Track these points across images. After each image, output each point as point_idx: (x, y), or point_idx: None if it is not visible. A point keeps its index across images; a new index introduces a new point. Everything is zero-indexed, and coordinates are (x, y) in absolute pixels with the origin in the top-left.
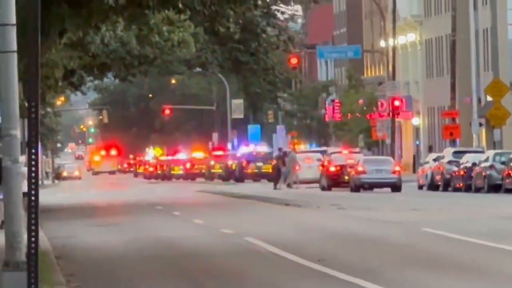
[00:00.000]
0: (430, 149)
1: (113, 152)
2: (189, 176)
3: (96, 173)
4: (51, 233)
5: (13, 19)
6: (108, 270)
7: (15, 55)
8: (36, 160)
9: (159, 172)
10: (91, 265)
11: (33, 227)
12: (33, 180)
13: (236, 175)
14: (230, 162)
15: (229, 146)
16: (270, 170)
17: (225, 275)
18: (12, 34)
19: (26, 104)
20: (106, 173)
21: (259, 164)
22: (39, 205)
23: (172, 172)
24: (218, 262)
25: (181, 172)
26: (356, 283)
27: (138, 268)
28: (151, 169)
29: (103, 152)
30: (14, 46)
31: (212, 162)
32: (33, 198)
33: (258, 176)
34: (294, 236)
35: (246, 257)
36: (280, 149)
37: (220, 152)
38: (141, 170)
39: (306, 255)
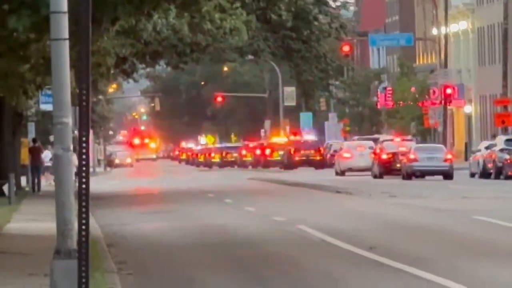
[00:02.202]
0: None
1: (150, 141)
2: (226, 164)
3: (138, 160)
4: (102, 221)
5: (64, 6)
6: (160, 258)
7: (67, 43)
8: (87, 148)
9: (200, 159)
10: (143, 252)
11: (83, 215)
12: (83, 168)
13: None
14: (258, 151)
15: (281, 133)
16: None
17: (278, 263)
18: (64, 22)
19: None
20: (148, 160)
21: (280, 152)
22: (91, 193)
23: (212, 160)
24: (271, 250)
25: (218, 160)
26: (408, 271)
27: (190, 255)
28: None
29: (136, 141)
30: (66, 33)
31: (244, 151)
32: (84, 186)
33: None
34: (345, 224)
35: (298, 245)
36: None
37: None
38: (183, 157)
39: (358, 243)
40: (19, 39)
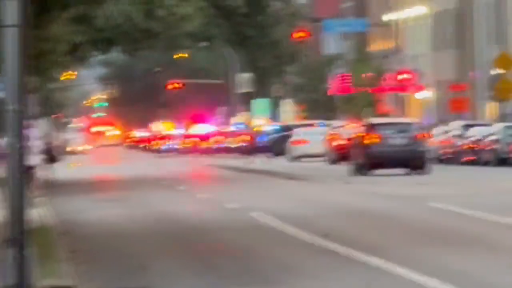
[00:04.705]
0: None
1: (109, 127)
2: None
3: (99, 147)
4: (57, 209)
5: None
6: (112, 246)
7: (16, 30)
8: (23, 134)
9: (145, 145)
10: (96, 240)
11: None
12: (18, 156)
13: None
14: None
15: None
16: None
17: (230, 251)
18: (13, 8)
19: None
20: (108, 147)
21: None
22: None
23: (155, 147)
24: (224, 237)
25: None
26: (361, 259)
27: (143, 243)
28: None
29: (95, 129)
30: (15, 20)
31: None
32: (18, 171)
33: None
34: (299, 211)
35: (250, 233)
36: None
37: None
38: (127, 142)
39: (311, 230)
40: None
